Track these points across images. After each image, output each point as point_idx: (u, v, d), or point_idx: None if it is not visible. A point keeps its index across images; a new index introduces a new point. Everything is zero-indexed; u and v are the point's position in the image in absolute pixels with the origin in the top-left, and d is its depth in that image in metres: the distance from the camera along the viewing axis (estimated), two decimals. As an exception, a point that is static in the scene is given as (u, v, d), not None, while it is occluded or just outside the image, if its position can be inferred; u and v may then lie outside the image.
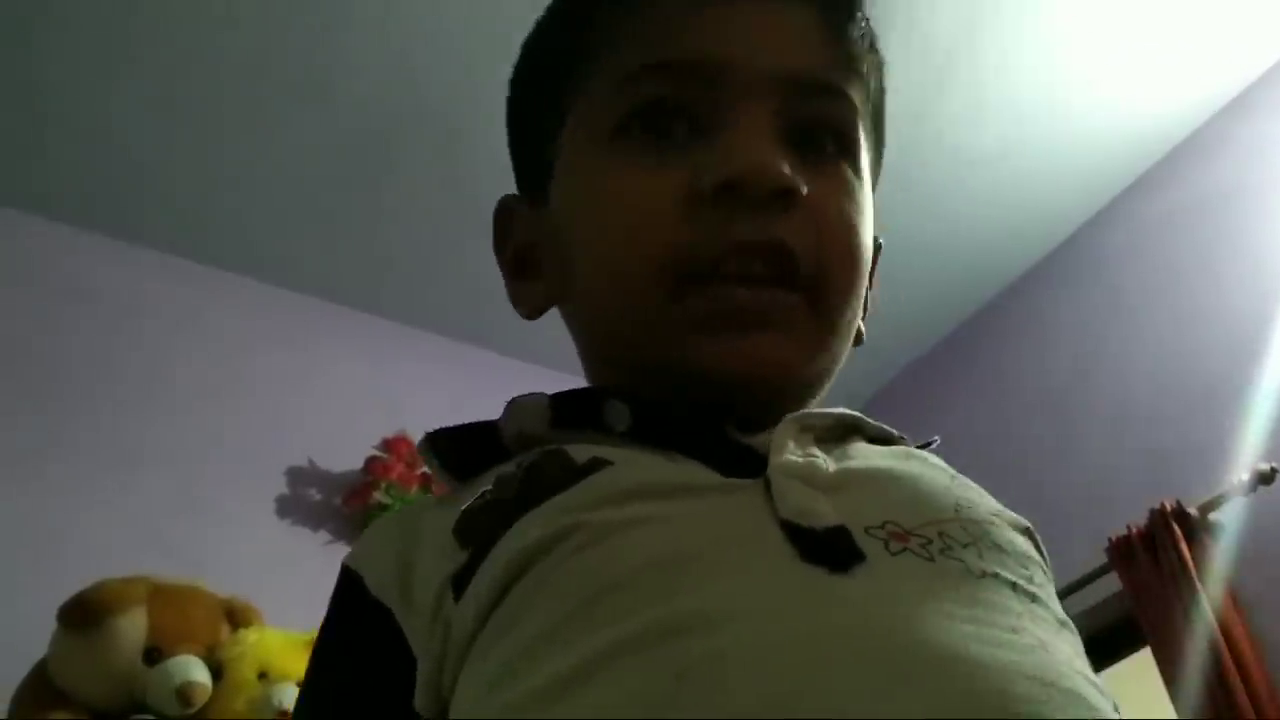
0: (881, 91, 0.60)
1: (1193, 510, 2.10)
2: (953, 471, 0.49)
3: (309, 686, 0.49)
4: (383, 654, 0.45)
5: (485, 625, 0.41)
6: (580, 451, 0.46)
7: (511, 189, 0.63)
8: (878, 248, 0.62)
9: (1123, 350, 2.48)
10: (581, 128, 0.54)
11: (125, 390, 2.27)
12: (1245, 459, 2.08)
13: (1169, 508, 2.11)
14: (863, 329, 0.59)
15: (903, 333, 2.91)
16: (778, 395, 0.50)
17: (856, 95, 0.55)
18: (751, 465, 0.44)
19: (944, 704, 0.32)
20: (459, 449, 0.52)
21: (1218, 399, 2.20)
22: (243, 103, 2.18)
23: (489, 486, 0.47)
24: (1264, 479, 2.02)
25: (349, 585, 0.49)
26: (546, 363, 2.70)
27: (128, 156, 2.26)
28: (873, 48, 0.57)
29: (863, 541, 0.39)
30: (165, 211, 2.40)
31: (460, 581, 0.43)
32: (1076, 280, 2.69)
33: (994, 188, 2.55)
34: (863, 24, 0.56)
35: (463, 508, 0.47)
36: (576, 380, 0.56)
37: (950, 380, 2.93)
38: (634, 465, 0.45)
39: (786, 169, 0.48)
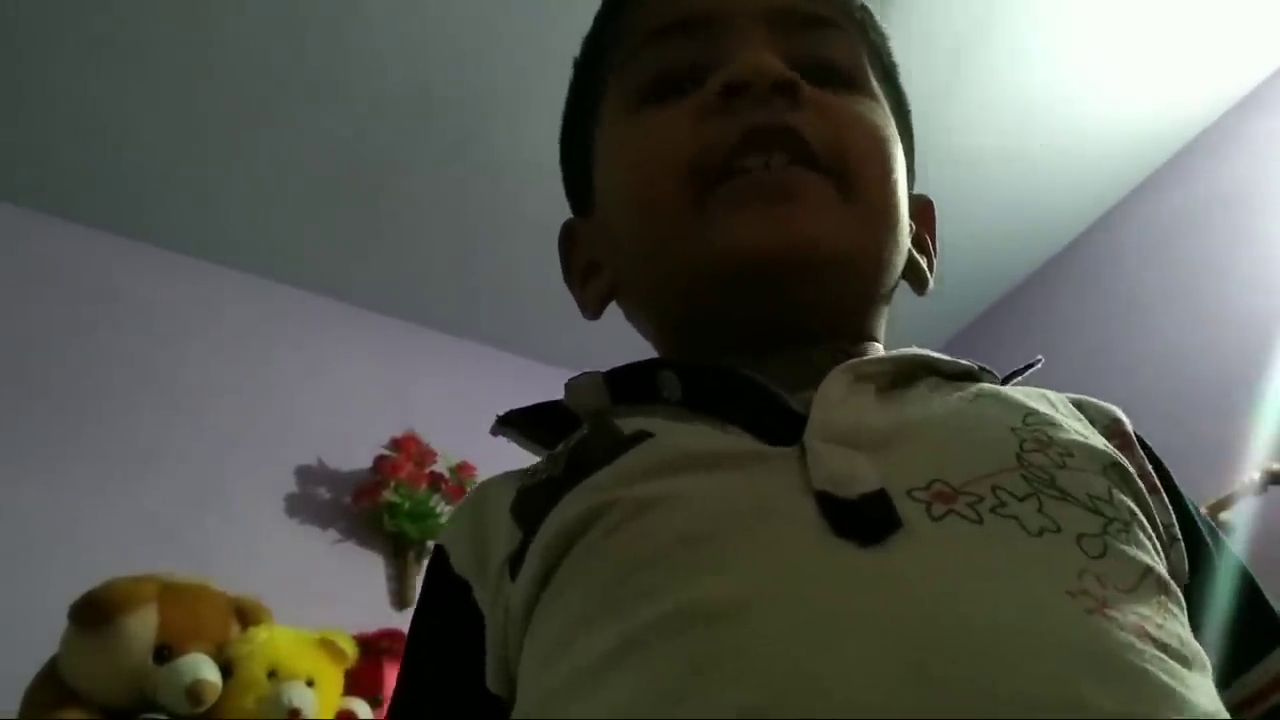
0: (887, 47, 0.60)
1: (1203, 510, 2.09)
2: (1030, 406, 0.45)
3: (405, 656, 0.50)
4: (464, 627, 0.45)
5: (536, 606, 0.41)
6: (629, 424, 0.45)
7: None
8: (929, 203, 0.62)
9: (1132, 350, 2.47)
10: (608, 114, 0.57)
11: (135, 389, 2.27)
12: (1256, 458, 2.07)
13: (1179, 507, 2.10)
14: (929, 277, 0.60)
15: (910, 333, 2.90)
16: (819, 284, 0.49)
17: (851, 31, 0.56)
18: (798, 428, 0.42)
19: (962, 695, 0.30)
20: (537, 422, 0.53)
21: (1228, 398, 2.19)
22: (255, 102, 2.19)
23: (541, 463, 0.48)
24: (1275, 478, 2.01)
25: (439, 560, 0.50)
26: (556, 362, 2.70)
27: (142, 157, 2.27)
28: (863, 8, 0.59)
29: (903, 506, 0.36)
30: (178, 211, 2.41)
31: (515, 562, 0.43)
32: (1086, 280, 2.68)
33: (1002, 188, 2.55)
34: None
35: (519, 486, 0.47)
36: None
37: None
38: (675, 435, 0.44)
39: (784, 66, 0.50)
